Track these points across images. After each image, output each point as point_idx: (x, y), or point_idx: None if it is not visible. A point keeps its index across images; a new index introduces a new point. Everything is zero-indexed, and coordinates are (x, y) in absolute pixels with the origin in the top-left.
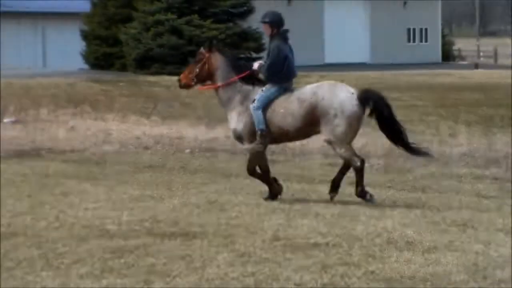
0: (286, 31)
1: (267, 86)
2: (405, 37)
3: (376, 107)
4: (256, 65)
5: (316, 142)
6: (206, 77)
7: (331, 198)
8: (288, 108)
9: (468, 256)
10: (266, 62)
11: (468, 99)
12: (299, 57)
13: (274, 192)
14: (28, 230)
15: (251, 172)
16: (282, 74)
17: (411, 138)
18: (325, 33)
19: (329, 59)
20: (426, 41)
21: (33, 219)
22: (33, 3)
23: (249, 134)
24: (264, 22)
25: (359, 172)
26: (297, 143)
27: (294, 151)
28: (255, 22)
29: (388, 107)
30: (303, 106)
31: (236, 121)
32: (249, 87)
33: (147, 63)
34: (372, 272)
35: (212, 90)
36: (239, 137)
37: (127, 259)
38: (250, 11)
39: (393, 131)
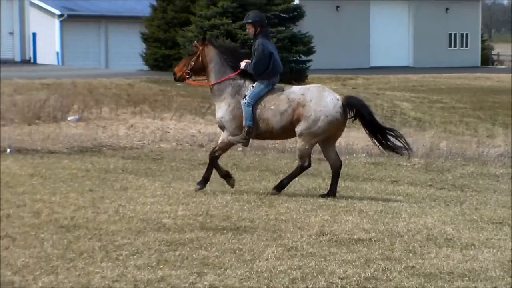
0: (268, 29)
1: (257, 83)
2: (446, 42)
3: (358, 112)
4: (242, 64)
5: (361, 142)
6: (200, 69)
7: (273, 194)
8: (278, 106)
9: (504, 253)
10: (252, 60)
11: (505, 102)
12: (346, 60)
13: (207, 178)
14: (89, 223)
15: (213, 159)
16: (269, 70)
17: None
18: (370, 38)
19: (374, 62)
20: (466, 46)
21: (94, 212)
22: (98, 7)
23: (236, 127)
24: (248, 22)
25: (299, 170)
26: (343, 143)
27: (340, 151)
28: (304, 26)
29: (369, 112)
30: (292, 106)
31: (224, 111)
32: (241, 81)
33: None
34: (412, 267)
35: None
36: (222, 127)
37: (182, 252)
38: (300, 16)
39: (375, 132)
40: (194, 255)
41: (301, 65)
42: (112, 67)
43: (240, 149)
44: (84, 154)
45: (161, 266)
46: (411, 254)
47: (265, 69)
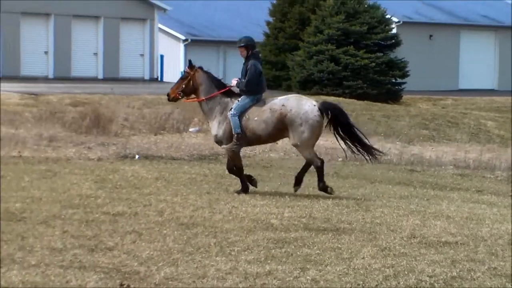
0: (258, 51)
1: (243, 97)
2: None
3: (333, 114)
4: (234, 82)
5: (449, 155)
6: (191, 91)
7: (295, 191)
8: (261, 117)
9: None
10: (244, 79)
11: None
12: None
13: (245, 187)
14: (206, 221)
15: (230, 170)
16: (257, 87)
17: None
18: (459, 63)
19: (462, 85)
20: None
21: (210, 212)
22: (218, 33)
23: (228, 138)
24: (241, 46)
25: (319, 170)
26: (433, 156)
27: (430, 162)
28: (401, 53)
29: (343, 114)
30: (275, 115)
31: (217, 128)
32: (228, 99)
33: (309, 85)
34: (495, 268)
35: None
36: (219, 141)
37: (287, 249)
38: (397, 43)
39: (350, 134)
40: (298, 252)
41: (396, 87)
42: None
43: (340, 159)
44: (202, 161)
45: (269, 261)
46: (493, 257)
47: (255, 86)
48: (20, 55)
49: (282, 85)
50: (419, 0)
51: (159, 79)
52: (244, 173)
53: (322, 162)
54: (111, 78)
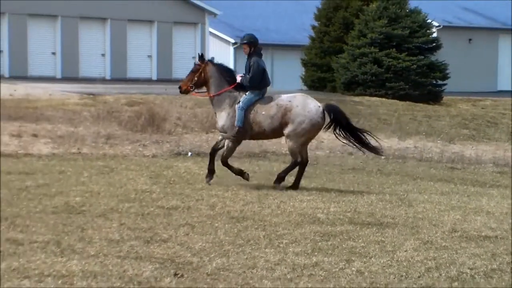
0: (260, 48)
1: (249, 92)
2: None
3: (335, 117)
4: (238, 78)
5: (488, 154)
6: (202, 83)
7: (274, 186)
8: (268, 112)
9: None
10: (247, 75)
11: None
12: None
13: (212, 171)
14: (256, 215)
15: (224, 163)
16: (261, 83)
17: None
18: (498, 65)
19: (501, 86)
20: None
21: (259, 207)
22: (265, 37)
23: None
24: (244, 43)
25: (294, 165)
26: (473, 154)
27: (470, 160)
28: (441, 56)
29: (344, 116)
30: (280, 111)
31: (225, 119)
32: (236, 93)
33: (353, 86)
34: None
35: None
36: (225, 131)
37: (333, 242)
38: (438, 47)
39: (351, 133)
40: (343, 245)
41: (437, 89)
42: (276, 86)
43: (384, 157)
44: (251, 158)
45: (316, 253)
46: None
47: (259, 81)
48: (78, 58)
49: (327, 86)
50: (458, 6)
51: None
52: (239, 167)
53: (302, 162)
54: (165, 79)
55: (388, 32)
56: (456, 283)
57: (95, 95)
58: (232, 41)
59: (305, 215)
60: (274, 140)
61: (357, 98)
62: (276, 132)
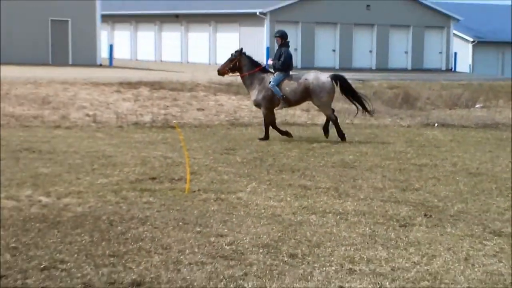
0: (288, 41)
1: (277, 73)
2: None
3: (340, 82)
4: (270, 61)
5: None
6: (236, 69)
7: (326, 138)
8: (291, 87)
9: None
10: (279, 60)
11: None
12: None
13: (266, 137)
14: (489, 172)
15: (273, 127)
16: (288, 67)
17: None
18: None
19: None
20: None
21: (492, 165)
22: (499, 36)
23: (267, 102)
24: (277, 36)
25: (336, 122)
26: None
27: None
28: None
29: (346, 81)
30: (300, 86)
31: (256, 94)
32: (264, 75)
33: None
34: None
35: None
36: (258, 104)
37: None
38: None
39: (353, 95)
40: None
41: None
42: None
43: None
44: (486, 129)
45: None
46: None
47: (287, 66)
48: (351, 53)
49: None
50: None
51: (452, 69)
52: (282, 128)
53: (336, 116)
54: (417, 69)
55: None
56: None
57: (364, 81)
58: (471, 39)
59: None
60: (504, 114)
61: None
62: (298, 101)
